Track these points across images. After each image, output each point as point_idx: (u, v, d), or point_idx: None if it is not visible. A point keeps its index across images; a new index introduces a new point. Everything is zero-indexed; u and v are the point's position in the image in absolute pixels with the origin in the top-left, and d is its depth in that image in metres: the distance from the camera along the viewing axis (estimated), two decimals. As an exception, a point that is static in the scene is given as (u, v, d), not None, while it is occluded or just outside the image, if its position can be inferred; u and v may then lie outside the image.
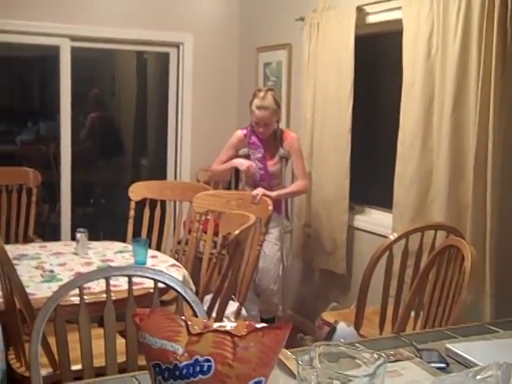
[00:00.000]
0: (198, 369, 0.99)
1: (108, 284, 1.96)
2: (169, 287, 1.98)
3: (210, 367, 0.99)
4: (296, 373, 1.19)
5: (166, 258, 3.46)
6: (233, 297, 3.59)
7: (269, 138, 4.00)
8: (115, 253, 3.46)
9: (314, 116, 4.20)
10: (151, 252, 3.50)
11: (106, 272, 2.03)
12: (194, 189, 4.06)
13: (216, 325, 1.03)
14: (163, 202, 4.12)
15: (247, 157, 4.05)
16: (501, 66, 2.93)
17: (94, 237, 3.72)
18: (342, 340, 2.36)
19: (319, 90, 4.15)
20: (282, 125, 4.58)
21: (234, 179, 4.57)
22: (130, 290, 2.01)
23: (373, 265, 2.74)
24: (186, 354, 1.00)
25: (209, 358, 0.99)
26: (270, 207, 3.61)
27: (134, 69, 6.76)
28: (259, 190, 3.79)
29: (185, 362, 1.00)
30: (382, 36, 4.03)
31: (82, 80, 5.60)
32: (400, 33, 3.49)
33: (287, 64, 4.65)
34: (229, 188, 4.65)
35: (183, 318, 1.04)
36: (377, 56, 4.20)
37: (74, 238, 4.78)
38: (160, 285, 2.00)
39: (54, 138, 5.34)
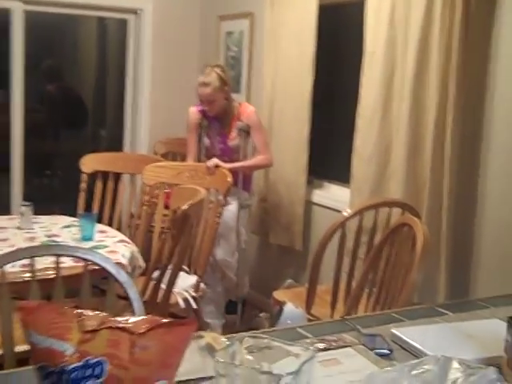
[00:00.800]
0: (88, 372, 0.86)
1: (32, 264, 1.82)
2: (100, 267, 1.84)
3: (102, 370, 0.86)
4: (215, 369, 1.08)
5: (115, 232, 3.32)
6: (187, 270, 3.50)
7: (222, 114, 3.88)
8: (62, 227, 3.31)
9: (275, 87, 4.07)
10: (100, 227, 3.37)
11: (29, 251, 1.89)
12: (147, 161, 3.91)
13: (116, 320, 0.89)
14: (117, 175, 3.98)
15: (206, 130, 3.94)
16: (463, 39, 2.83)
17: (48, 210, 3.60)
18: (288, 322, 2.29)
19: (280, 61, 4.02)
20: (242, 97, 4.45)
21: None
22: (57, 271, 1.87)
23: (324, 242, 2.64)
24: (77, 355, 0.87)
25: (101, 359, 0.86)
26: (229, 178, 3.50)
27: (95, 36, 6.53)
28: (213, 161, 3.68)
29: (73, 365, 0.86)
30: (345, 5, 3.90)
31: (40, 47, 5.40)
32: (363, 2, 3.37)
33: (249, 34, 4.49)
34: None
35: (77, 312, 0.91)
36: (340, 26, 4.08)
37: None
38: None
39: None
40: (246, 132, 3.89)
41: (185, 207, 2.61)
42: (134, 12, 4.95)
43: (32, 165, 5.55)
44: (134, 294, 1.79)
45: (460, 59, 2.83)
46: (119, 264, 2.81)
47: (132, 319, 0.91)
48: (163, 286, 3.34)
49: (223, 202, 3.44)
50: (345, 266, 2.81)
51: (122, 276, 1.81)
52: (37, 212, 3.34)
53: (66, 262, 2.50)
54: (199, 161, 4.02)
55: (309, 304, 2.73)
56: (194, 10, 5.12)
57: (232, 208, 3.87)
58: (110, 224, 3.83)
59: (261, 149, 3.88)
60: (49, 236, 3.14)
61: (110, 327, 0.86)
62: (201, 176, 3.57)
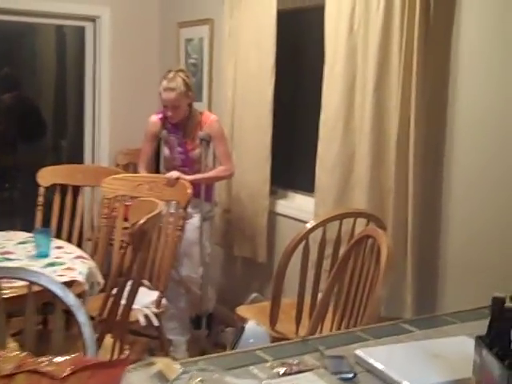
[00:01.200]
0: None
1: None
2: (45, 290, 1.73)
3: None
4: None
5: (73, 248, 3.20)
6: (149, 285, 3.38)
7: (184, 121, 3.75)
8: (17, 244, 3.17)
9: (235, 95, 3.98)
10: (57, 242, 3.24)
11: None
12: (106, 173, 3.79)
13: (36, 362, 0.79)
14: (76, 188, 3.85)
15: (166, 140, 3.80)
16: (423, 42, 2.79)
17: (8, 224, 3.48)
18: (251, 340, 2.19)
19: (240, 67, 3.94)
20: (204, 105, 4.36)
21: (154, 164, 4.31)
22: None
23: (287, 255, 2.56)
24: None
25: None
26: (189, 190, 3.40)
27: (53, 45, 6.38)
28: (174, 173, 3.56)
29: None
30: (305, 11, 3.83)
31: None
32: (323, 7, 3.30)
33: (209, 41, 4.41)
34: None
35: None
36: (300, 32, 4.00)
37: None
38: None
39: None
40: (207, 142, 3.78)
41: (141, 222, 2.50)
42: (92, 19, 4.82)
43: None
44: (83, 317, 1.68)
45: (420, 62, 2.78)
46: (76, 282, 2.71)
47: (57, 359, 0.81)
48: (123, 302, 3.24)
49: (184, 215, 3.34)
50: (310, 278, 2.73)
51: (70, 299, 1.70)
52: (-5, 227, 3.21)
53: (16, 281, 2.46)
54: (157, 172, 3.92)
55: (273, 320, 2.64)
56: (152, 16, 5.03)
57: (194, 221, 3.77)
58: (69, 239, 3.71)
59: (222, 159, 3.78)
60: (1, 254, 3.00)
61: (28, 371, 0.75)
62: (160, 188, 3.46)
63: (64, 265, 2.85)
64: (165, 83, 3.63)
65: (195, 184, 3.61)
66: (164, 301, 3.34)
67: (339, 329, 2.30)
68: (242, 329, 2.10)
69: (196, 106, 3.86)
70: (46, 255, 2.96)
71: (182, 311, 3.80)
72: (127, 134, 4.92)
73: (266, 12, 3.70)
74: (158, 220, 2.67)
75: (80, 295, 3.28)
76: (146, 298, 3.30)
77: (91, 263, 2.97)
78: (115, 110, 4.94)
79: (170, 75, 3.65)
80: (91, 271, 2.90)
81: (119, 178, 3.55)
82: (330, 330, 2.26)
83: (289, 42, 3.89)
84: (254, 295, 3.41)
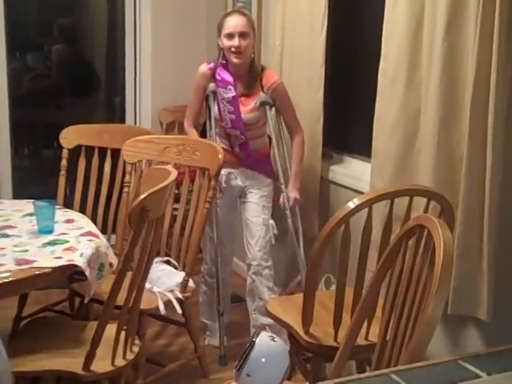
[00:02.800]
0: None
1: None
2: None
3: None
4: None
5: (84, 222, 2.77)
6: (176, 265, 2.94)
7: (243, 71, 3.13)
8: (23, 216, 2.77)
9: (284, 43, 3.41)
10: (69, 214, 2.83)
11: None
12: (136, 133, 3.33)
13: None
14: (104, 150, 3.40)
15: (215, 95, 3.19)
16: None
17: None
18: (262, 360, 1.69)
19: (289, 11, 3.35)
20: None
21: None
22: None
23: (322, 242, 2.01)
24: None
25: None
26: (220, 155, 2.88)
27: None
28: (292, 195, 3.15)
29: None
30: None
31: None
32: None
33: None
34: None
35: None
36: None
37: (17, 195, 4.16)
38: None
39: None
40: (269, 106, 3.17)
41: (141, 197, 2.02)
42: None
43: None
44: None
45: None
46: (73, 266, 2.28)
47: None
48: (148, 285, 2.80)
49: (213, 185, 2.83)
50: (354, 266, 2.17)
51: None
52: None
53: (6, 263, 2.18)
54: (202, 134, 3.36)
55: (306, 322, 2.12)
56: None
57: (258, 199, 3.23)
58: (95, 207, 3.29)
59: (295, 127, 3.20)
60: (1, 228, 2.61)
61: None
62: (190, 151, 2.96)
63: (67, 243, 2.44)
64: (228, 15, 3.11)
65: (251, 154, 3.19)
66: (191, 283, 2.87)
67: (385, 340, 1.77)
68: (252, 344, 1.59)
69: None
70: (49, 231, 2.57)
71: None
72: (171, 89, 4.43)
73: None
74: (163, 195, 2.17)
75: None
76: (171, 280, 2.87)
77: (100, 242, 2.53)
78: (157, 63, 4.45)
79: (234, 9, 3.23)
80: (98, 251, 2.46)
81: (143, 140, 3.08)
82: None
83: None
84: (326, 276, 2.89)
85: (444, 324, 2.51)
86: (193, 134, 3.27)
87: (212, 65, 3.20)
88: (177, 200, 3.13)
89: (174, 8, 4.44)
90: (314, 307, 2.18)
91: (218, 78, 3.16)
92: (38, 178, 5.27)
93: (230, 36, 3.04)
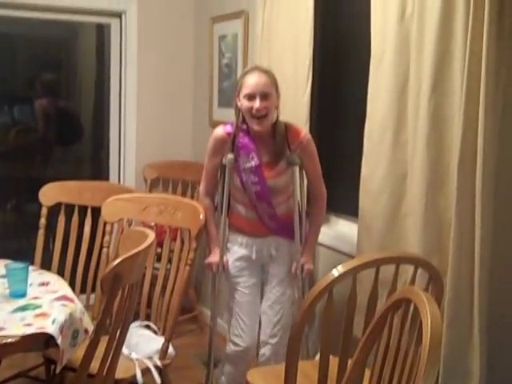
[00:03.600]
0: None
1: None
2: None
3: None
4: None
5: (60, 285, 2.64)
6: (155, 329, 2.82)
7: (267, 137, 2.80)
8: (-5, 278, 2.65)
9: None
10: (44, 277, 2.72)
11: None
12: (118, 191, 3.26)
13: None
14: (84, 208, 3.32)
15: (234, 165, 2.83)
16: (496, 29, 2.07)
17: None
18: None
19: (274, 68, 3.24)
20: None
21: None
22: None
23: (304, 313, 1.91)
24: None
25: None
26: (201, 216, 2.80)
27: (93, 46, 5.94)
28: (307, 266, 2.91)
29: None
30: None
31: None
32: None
33: (243, 36, 3.80)
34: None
35: None
36: (344, 24, 3.32)
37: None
38: None
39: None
40: (297, 167, 2.84)
41: (114, 263, 1.92)
42: (118, 15, 4.30)
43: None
44: None
45: (491, 55, 2.06)
46: (43, 334, 2.16)
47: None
48: (126, 350, 2.68)
49: (194, 246, 2.74)
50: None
51: None
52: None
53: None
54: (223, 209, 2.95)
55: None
56: (183, 11, 4.47)
57: (281, 270, 2.94)
58: (74, 268, 3.19)
59: (318, 184, 2.92)
60: (-30, 290, 2.50)
61: None
62: (171, 211, 2.88)
63: (39, 308, 2.32)
64: (247, 74, 2.76)
65: (279, 221, 2.89)
66: (171, 349, 2.75)
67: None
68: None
69: (229, 113, 3.12)
70: (22, 294, 2.45)
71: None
72: (156, 145, 4.41)
73: (301, 1, 3.07)
74: (140, 259, 2.08)
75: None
76: (150, 346, 2.75)
77: (74, 306, 2.41)
78: (142, 119, 4.42)
79: (253, 66, 2.88)
80: (73, 317, 2.34)
81: (123, 199, 3.00)
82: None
83: (329, 36, 3.24)
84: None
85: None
86: (204, 203, 2.94)
87: (229, 128, 2.84)
88: (159, 259, 3.04)
89: (160, 64, 4.44)
90: (297, 379, 2.07)
91: (239, 144, 2.81)
92: (21, 234, 5.17)
93: (251, 97, 2.69)
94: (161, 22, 4.38)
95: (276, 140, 2.78)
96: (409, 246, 2.40)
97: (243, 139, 2.80)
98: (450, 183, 2.25)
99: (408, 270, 2.19)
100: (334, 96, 3.36)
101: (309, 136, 2.84)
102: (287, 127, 2.81)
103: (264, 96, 2.69)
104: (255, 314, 2.94)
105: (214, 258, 2.96)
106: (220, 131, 2.86)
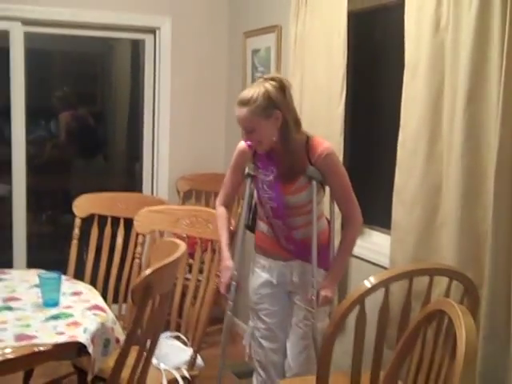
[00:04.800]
0: None
1: None
2: None
3: None
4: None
5: (92, 295, 2.66)
6: (185, 340, 2.82)
7: (281, 153, 2.60)
8: (30, 287, 2.68)
9: (302, 115, 3.32)
10: (78, 287, 2.73)
11: None
12: (150, 203, 3.27)
13: None
14: (116, 219, 3.34)
15: (254, 177, 2.70)
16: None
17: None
18: None
19: (307, 80, 3.31)
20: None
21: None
22: None
23: (334, 329, 1.88)
24: None
25: None
26: (232, 227, 2.78)
27: (128, 61, 6.02)
28: (323, 293, 2.58)
29: None
30: (380, 10, 3.16)
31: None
32: (401, 4, 2.64)
33: (276, 50, 3.81)
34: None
35: None
36: (376, 35, 3.32)
37: (30, 264, 4.11)
38: None
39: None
40: (318, 182, 2.59)
41: (146, 273, 1.92)
42: (152, 31, 4.34)
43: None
44: None
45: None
46: (75, 343, 2.16)
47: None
48: (155, 361, 2.68)
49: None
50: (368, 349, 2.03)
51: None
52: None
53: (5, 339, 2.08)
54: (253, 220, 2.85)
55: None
56: (217, 25, 4.49)
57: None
58: (106, 278, 3.20)
59: (345, 204, 2.63)
60: (5, 300, 2.52)
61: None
62: (202, 223, 2.88)
63: (70, 318, 2.33)
64: (241, 94, 2.56)
65: (300, 245, 2.67)
66: (199, 360, 2.74)
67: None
68: None
69: None
70: (54, 304, 2.47)
71: None
72: (189, 158, 4.44)
73: (335, 14, 3.07)
74: (171, 269, 2.07)
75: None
76: (179, 357, 2.74)
77: (106, 316, 2.42)
78: (176, 132, 4.43)
79: (255, 83, 2.59)
80: (104, 326, 2.35)
81: (155, 211, 3.01)
82: None
83: (362, 48, 3.23)
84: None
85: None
86: (220, 214, 2.82)
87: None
88: (190, 270, 3.04)
89: (194, 78, 4.46)
90: (329, 392, 2.03)
91: (258, 157, 2.68)
92: (55, 245, 5.22)
93: (242, 128, 2.57)
94: (194, 38, 4.41)
95: (290, 156, 2.58)
96: (443, 257, 2.36)
97: (262, 152, 2.65)
98: (487, 194, 2.21)
99: (442, 282, 2.15)
100: (368, 107, 3.34)
101: (330, 149, 2.56)
102: (309, 140, 2.58)
103: (248, 130, 2.52)
104: (278, 342, 2.80)
105: (224, 264, 2.72)
106: (242, 144, 2.73)
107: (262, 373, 2.84)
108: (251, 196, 2.76)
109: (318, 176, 2.57)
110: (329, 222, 2.79)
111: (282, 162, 2.61)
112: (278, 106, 2.48)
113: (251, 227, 2.84)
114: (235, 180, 2.79)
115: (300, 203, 2.61)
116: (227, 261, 2.71)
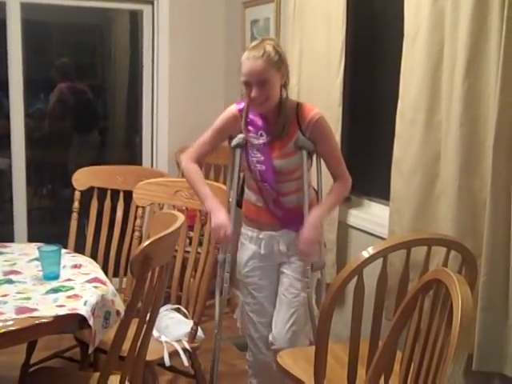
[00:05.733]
0: None
1: None
2: None
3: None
4: None
5: (92, 267, 2.67)
6: (186, 313, 2.83)
7: (275, 115, 2.61)
8: (30, 261, 2.69)
9: (300, 83, 3.33)
10: (77, 259, 2.74)
11: None
12: (149, 175, 3.28)
13: None
14: (116, 192, 3.34)
15: (243, 146, 2.68)
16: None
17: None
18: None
19: (306, 50, 3.29)
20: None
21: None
22: None
23: (333, 297, 1.89)
24: None
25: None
26: (231, 199, 2.77)
27: (127, 32, 5.97)
28: (305, 234, 2.58)
29: None
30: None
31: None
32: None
33: (275, 20, 3.77)
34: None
35: None
36: (374, 3, 3.27)
37: (31, 238, 4.12)
38: None
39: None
40: (307, 151, 2.61)
41: (143, 245, 1.92)
42: (151, 2, 4.30)
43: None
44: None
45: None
46: (76, 315, 2.18)
47: None
48: (156, 333, 2.70)
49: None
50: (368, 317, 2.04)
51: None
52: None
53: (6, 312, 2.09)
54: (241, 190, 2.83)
55: (317, 377, 1.99)
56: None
57: (292, 270, 2.71)
58: (107, 251, 3.22)
59: (336, 168, 2.65)
60: (5, 273, 2.53)
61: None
62: (202, 195, 2.87)
63: (71, 290, 2.34)
64: (247, 52, 2.53)
65: (288, 214, 2.67)
66: (200, 332, 2.75)
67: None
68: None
69: None
70: (55, 277, 2.48)
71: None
72: (188, 130, 4.38)
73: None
74: (170, 240, 2.08)
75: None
76: (179, 329, 2.75)
77: (106, 289, 2.43)
78: (175, 104, 4.41)
79: (255, 43, 2.56)
80: (104, 299, 2.36)
81: (154, 183, 3.00)
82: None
83: (362, 19, 3.19)
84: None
85: (469, 380, 2.36)
86: (192, 169, 2.75)
87: (242, 105, 2.68)
88: (191, 242, 3.05)
89: (192, 49, 4.43)
90: (327, 360, 2.05)
91: (249, 120, 2.66)
92: (56, 219, 5.24)
93: (247, 84, 2.52)
94: (192, 8, 4.36)
95: (281, 119, 2.58)
96: (441, 228, 2.36)
97: (253, 115, 2.65)
98: (485, 163, 2.20)
99: (440, 252, 2.15)
100: (367, 77, 3.32)
101: (320, 115, 2.57)
102: (299, 106, 2.60)
103: (261, 83, 2.48)
104: (267, 316, 2.78)
105: (220, 217, 2.60)
106: (233, 108, 2.70)
107: (252, 347, 2.85)
108: (239, 169, 2.74)
109: (309, 146, 2.59)
110: (317, 193, 2.79)
111: (273, 125, 2.61)
112: (284, 62, 2.55)
113: (239, 202, 2.82)
114: (215, 142, 2.75)
115: (288, 168, 2.61)
116: (221, 215, 2.62)
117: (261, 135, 2.63)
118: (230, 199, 2.77)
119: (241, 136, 2.67)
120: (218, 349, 2.85)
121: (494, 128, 2.12)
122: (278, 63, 2.51)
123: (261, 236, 2.73)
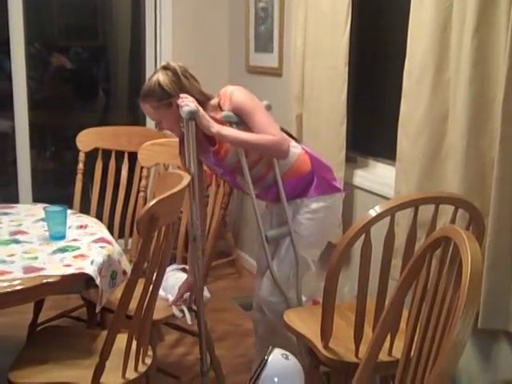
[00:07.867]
0: None
1: None
2: None
3: None
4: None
5: (98, 227, 2.67)
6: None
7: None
8: (36, 221, 2.70)
9: (306, 44, 3.28)
10: (83, 220, 2.74)
11: None
12: (154, 136, 3.24)
13: None
14: (121, 153, 3.33)
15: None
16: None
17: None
18: (275, 379, 1.58)
19: (312, 10, 3.23)
20: (274, 57, 3.68)
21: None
22: None
23: (340, 257, 1.88)
24: None
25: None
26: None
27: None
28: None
29: None
30: None
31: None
32: None
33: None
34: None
35: None
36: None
37: (36, 200, 4.12)
38: None
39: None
40: (238, 124, 2.51)
41: (149, 205, 1.92)
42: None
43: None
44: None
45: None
46: (82, 274, 2.19)
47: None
48: (162, 293, 2.71)
49: (228, 191, 2.73)
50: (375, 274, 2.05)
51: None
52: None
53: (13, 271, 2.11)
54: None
55: (324, 336, 2.00)
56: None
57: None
58: (112, 212, 3.22)
59: (264, 131, 2.48)
60: (12, 233, 2.54)
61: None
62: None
63: (78, 250, 2.35)
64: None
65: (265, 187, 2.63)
66: (206, 292, 2.77)
67: (408, 358, 1.65)
68: (264, 363, 1.48)
69: (265, 58, 3.12)
70: (61, 237, 2.48)
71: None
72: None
73: None
74: (176, 200, 2.07)
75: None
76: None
77: (112, 249, 2.43)
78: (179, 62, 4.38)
79: (153, 74, 2.58)
80: (111, 258, 2.37)
81: (159, 143, 2.99)
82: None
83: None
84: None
85: (474, 338, 2.38)
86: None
87: None
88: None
89: (196, 8, 4.38)
90: (334, 319, 2.06)
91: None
92: (60, 181, 5.22)
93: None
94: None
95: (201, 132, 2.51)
96: (449, 187, 2.35)
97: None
98: (494, 122, 2.18)
99: (448, 210, 2.14)
100: (373, 35, 3.27)
101: (235, 87, 2.53)
102: (220, 95, 2.56)
103: (159, 122, 2.57)
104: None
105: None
106: None
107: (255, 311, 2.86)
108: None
109: (233, 117, 2.50)
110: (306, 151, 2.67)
111: (204, 138, 2.56)
112: (169, 94, 2.47)
113: None
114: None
115: (235, 159, 2.55)
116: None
117: (207, 152, 2.60)
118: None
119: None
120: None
121: (503, 85, 2.09)
122: (161, 98, 2.47)
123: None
